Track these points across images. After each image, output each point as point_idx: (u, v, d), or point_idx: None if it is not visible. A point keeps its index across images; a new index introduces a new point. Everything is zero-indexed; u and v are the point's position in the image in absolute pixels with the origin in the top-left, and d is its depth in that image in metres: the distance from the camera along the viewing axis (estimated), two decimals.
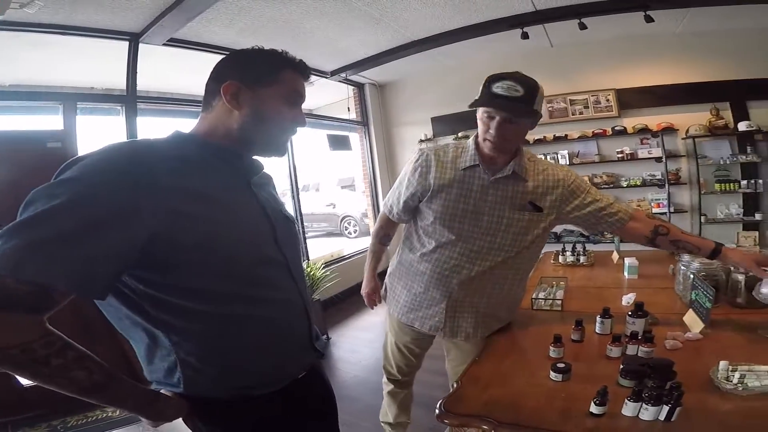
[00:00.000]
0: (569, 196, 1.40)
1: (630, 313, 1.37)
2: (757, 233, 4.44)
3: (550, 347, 1.28)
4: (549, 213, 1.40)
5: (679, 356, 1.22)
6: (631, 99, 4.70)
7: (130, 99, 3.36)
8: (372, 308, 1.81)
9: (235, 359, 0.83)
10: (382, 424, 1.89)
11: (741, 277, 1.54)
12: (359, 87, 5.93)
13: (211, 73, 0.90)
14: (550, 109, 5.00)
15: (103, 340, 2.02)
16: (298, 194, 4.74)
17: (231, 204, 0.84)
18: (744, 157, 4.26)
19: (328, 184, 10.53)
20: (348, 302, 4.69)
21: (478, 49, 4.70)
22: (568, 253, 2.63)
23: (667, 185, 4.55)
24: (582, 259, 2.58)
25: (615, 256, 2.59)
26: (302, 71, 0.94)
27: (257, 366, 0.87)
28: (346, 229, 9.49)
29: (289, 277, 0.93)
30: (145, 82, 3.62)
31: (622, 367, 1.12)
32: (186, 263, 0.74)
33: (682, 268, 1.73)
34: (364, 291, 1.79)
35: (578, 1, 3.59)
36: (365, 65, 4.85)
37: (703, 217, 4.52)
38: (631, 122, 4.70)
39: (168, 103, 3.87)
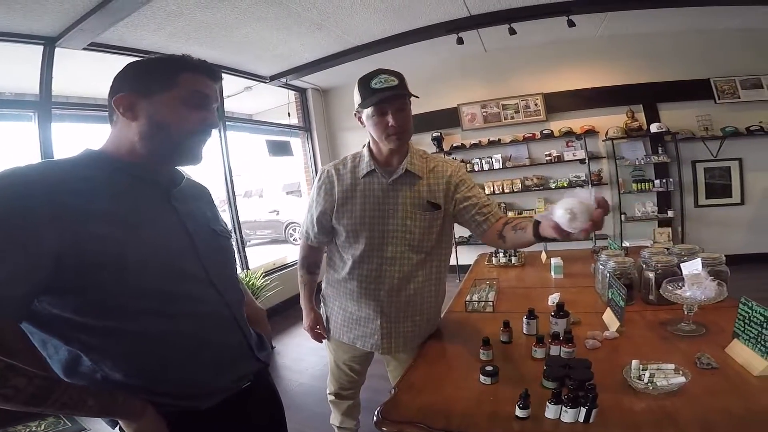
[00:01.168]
0: (455, 190, 1.44)
1: (552, 313, 1.43)
2: (670, 229, 4.91)
3: (480, 350, 1.31)
4: (446, 207, 1.45)
5: (598, 356, 1.28)
6: (557, 103, 5.01)
7: (43, 104, 3.12)
8: (321, 342, 1.72)
9: (160, 374, 0.83)
10: (332, 426, 1.85)
11: (651, 275, 1.65)
12: (301, 92, 5.82)
13: (110, 87, 0.86)
14: (485, 114, 5.22)
15: (20, 354, 1.79)
16: (234, 201, 4.54)
17: (141, 222, 0.82)
18: (656, 157, 4.68)
19: (272, 190, 10.23)
20: (293, 310, 4.54)
21: (420, 55, 4.79)
22: (501, 254, 2.72)
23: (590, 186, 4.87)
24: (514, 260, 2.67)
25: (543, 256, 2.71)
26: (205, 71, 0.89)
27: (184, 380, 0.86)
28: (291, 236, 9.25)
29: (212, 291, 0.91)
30: (64, 87, 3.39)
31: (545, 368, 1.16)
32: (97, 285, 0.73)
33: (600, 267, 1.83)
34: (306, 326, 1.71)
35: (508, 7, 3.78)
36: (306, 70, 4.77)
37: (623, 216, 4.88)
38: (557, 125, 5.01)
39: (88, 108, 3.58)
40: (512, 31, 3.92)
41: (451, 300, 1.97)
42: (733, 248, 4.45)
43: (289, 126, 5.68)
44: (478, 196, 1.46)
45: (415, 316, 1.47)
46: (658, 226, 4.93)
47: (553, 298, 1.81)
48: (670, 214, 4.81)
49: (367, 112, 1.34)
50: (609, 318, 1.54)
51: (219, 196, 4.61)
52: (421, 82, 5.13)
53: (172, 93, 0.84)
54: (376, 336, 1.47)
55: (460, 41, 4.04)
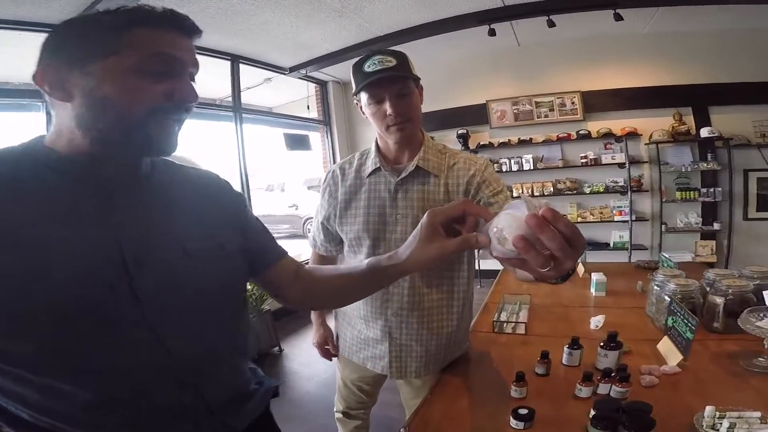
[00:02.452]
0: (475, 192, 1.20)
1: (602, 344, 1.19)
2: (714, 242, 4.51)
3: (512, 386, 1.07)
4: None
5: (656, 395, 1.07)
6: (596, 102, 4.66)
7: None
8: (330, 360, 1.54)
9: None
10: None
11: (720, 300, 1.39)
12: (321, 84, 5.65)
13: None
14: (516, 111, 4.92)
15: None
16: (249, 198, 4.41)
17: (46, 243, 0.56)
18: (705, 164, 4.29)
19: (294, 185, 10.14)
20: (304, 311, 4.40)
21: (446, 47, 4.53)
22: None
23: (629, 192, 4.53)
24: None
25: (581, 269, 2.44)
26: (171, 24, 0.62)
27: None
28: (309, 231, 9.12)
29: (145, 336, 0.63)
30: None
31: (593, 413, 0.92)
32: None
33: (656, 288, 1.57)
34: (315, 342, 1.53)
35: None
36: (327, 61, 4.58)
37: (663, 226, 4.52)
38: (595, 126, 4.66)
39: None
40: (551, 24, 3.62)
41: (475, 315, 1.74)
42: None
43: (308, 119, 5.53)
44: (503, 203, 1.21)
45: (431, 340, 1.25)
46: (701, 239, 4.55)
47: (597, 321, 1.56)
48: (716, 226, 4.42)
49: (364, 100, 1.16)
50: (667, 348, 1.30)
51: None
52: (446, 77, 4.92)
53: (118, 58, 0.59)
54: (385, 359, 1.27)
55: (492, 33, 3.77)
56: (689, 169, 4.36)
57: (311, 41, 4.12)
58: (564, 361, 1.25)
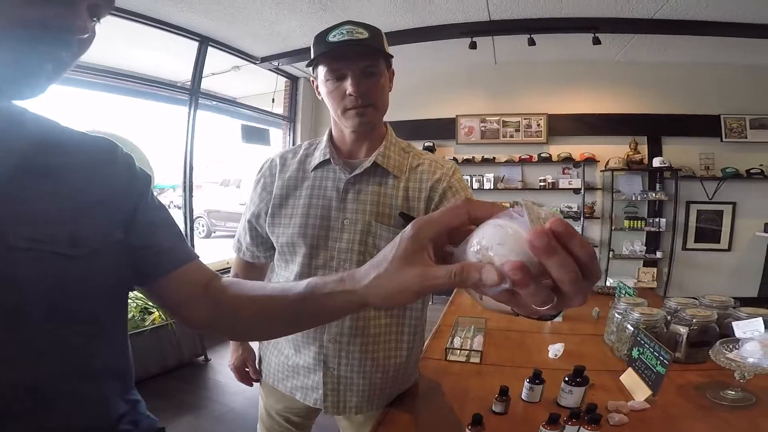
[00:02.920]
0: (439, 200, 1.03)
1: (566, 378, 1.07)
2: (655, 269, 4.72)
3: (468, 430, 0.92)
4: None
5: None
6: (559, 126, 4.77)
7: None
8: (251, 386, 1.28)
9: None
10: None
11: (683, 330, 1.33)
12: (292, 80, 5.41)
13: None
14: (483, 128, 4.94)
15: None
16: (191, 190, 4.07)
17: None
18: (653, 194, 4.48)
19: (250, 181, 9.69)
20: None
21: (423, 57, 4.46)
22: None
23: (582, 218, 4.64)
24: None
25: None
26: None
27: None
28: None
29: None
30: None
31: None
32: None
33: (617, 315, 1.49)
34: (230, 364, 1.26)
35: (532, 16, 3.52)
36: (302, 56, 4.36)
37: (611, 252, 4.65)
38: (556, 150, 4.76)
39: None
40: (531, 42, 3.65)
41: (426, 338, 1.58)
42: (712, 292, 4.28)
43: (272, 114, 5.25)
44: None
45: (376, 372, 1.05)
46: (643, 266, 4.76)
47: (556, 350, 1.46)
48: (658, 255, 4.65)
49: (321, 75, 0.96)
50: (632, 382, 1.21)
51: (176, 181, 4.11)
52: (419, 87, 4.82)
53: None
54: (319, 391, 1.05)
55: (473, 46, 3.74)
56: (638, 199, 4.54)
57: (289, 32, 3.92)
58: (523, 397, 1.12)
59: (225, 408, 2.63)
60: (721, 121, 4.43)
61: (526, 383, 1.10)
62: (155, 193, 0.66)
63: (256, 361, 1.24)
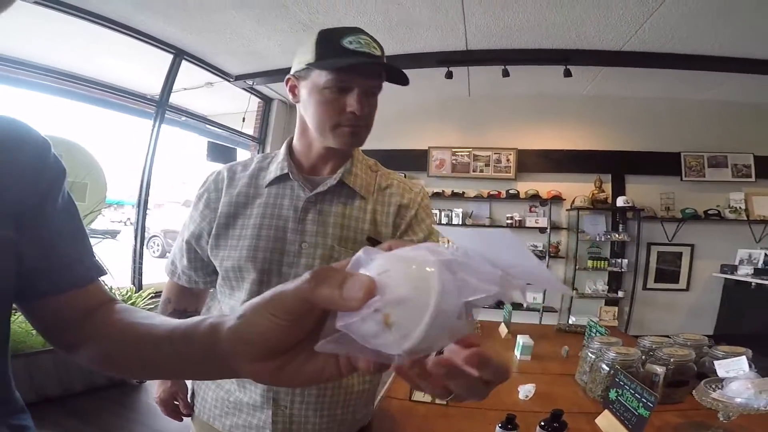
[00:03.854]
0: (406, 229, 0.96)
1: (542, 423, 0.96)
2: (616, 308, 4.78)
3: None
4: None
5: None
6: (528, 161, 4.85)
7: None
8: (180, 421, 1.09)
9: None
10: None
11: (660, 370, 1.27)
12: (266, 101, 5.33)
13: None
14: (454, 161, 4.96)
15: None
16: (146, 207, 3.84)
17: None
18: (616, 235, 4.59)
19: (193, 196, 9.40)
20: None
21: (397, 86, 4.46)
22: None
23: (547, 257, 4.68)
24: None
25: (503, 329, 2.28)
26: None
27: None
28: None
29: None
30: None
31: None
32: None
33: (590, 355, 1.42)
34: (156, 397, 1.08)
35: (507, 47, 3.62)
36: (278, 76, 4.31)
37: (575, 291, 4.68)
38: (524, 186, 4.82)
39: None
40: (505, 73, 3.74)
41: (387, 376, 1.44)
42: (671, 330, 4.40)
43: (241, 133, 5.12)
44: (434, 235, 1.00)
45: (335, 409, 0.91)
46: (605, 305, 4.80)
47: (526, 391, 1.36)
48: (620, 294, 4.71)
49: (320, 80, 0.84)
50: (609, 424, 1.14)
51: (129, 196, 3.88)
52: (393, 116, 4.78)
53: None
54: (267, 430, 0.90)
55: (449, 75, 3.80)
56: (602, 239, 4.63)
57: (267, 51, 3.88)
58: None
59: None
60: (681, 158, 4.59)
61: (498, 429, 0.99)
62: (69, 193, 0.54)
63: (188, 395, 1.06)
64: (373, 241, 0.90)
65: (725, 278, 4.47)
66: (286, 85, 0.91)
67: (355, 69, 0.83)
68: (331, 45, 0.83)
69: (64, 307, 0.50)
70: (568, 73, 3.70)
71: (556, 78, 3.86)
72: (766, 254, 4.17)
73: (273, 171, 0.92)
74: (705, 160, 4.61)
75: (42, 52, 3.60)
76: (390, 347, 0.25)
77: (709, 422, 1.12)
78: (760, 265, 4.14)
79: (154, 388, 1.09)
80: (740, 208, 4.48)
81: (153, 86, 4.17)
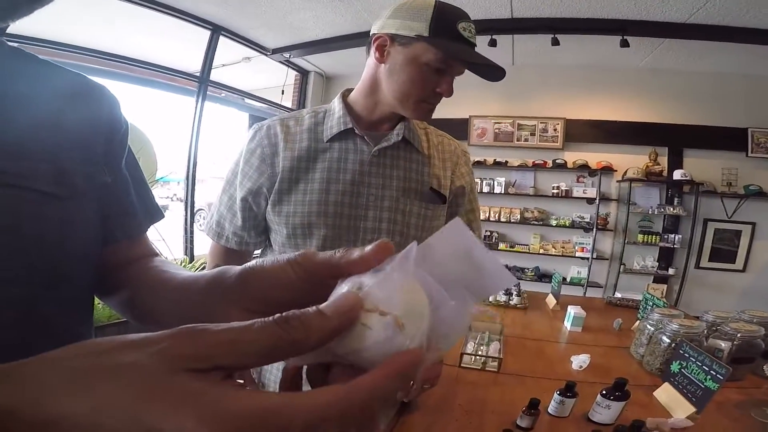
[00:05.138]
0: (455, 198, 1.02)
1: (604, 392, 0.94)
2: (665, 287, 4.54)
3: None
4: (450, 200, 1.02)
5: None
6: (577, 132, 4.59)
7: None
8: None
9: None
10: None
11: (725, 345, 1.21)
12: (303, 74, 5.32)
13: None
14: (497, 131, 4.79)
15: None
16: (194, 182, 3.97)
17: None
18: (671, 209, 4.29)
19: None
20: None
21: None
22: (501, 291, 2.23)
23: (595, 230, 4.48)
24: (515, 299, 2.18)
25: (551, 301, 2.24)
26: None
27: None
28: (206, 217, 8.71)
29: None
30: None
31: None
32: None
33: (649, 327, 1.36)
34: None
35: (557, 15, 3.38)
36: (314, 48, 4.27)
37: (622, 266, 4.48)
38: (572, 157, 4.58)
39: None
40: (555, 42, 3.50)
41: None
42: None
43: (281, 106, 5.17)
44: (473, 203, 1.07)
45: None
46: (653, 282, 4.57)
47: (580, 361, 1.34)
48: (670, 272, 4.44)
49: (424, 55, 0.84)
50: (669, 397, 1.10)
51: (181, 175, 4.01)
52: None
53: None
54: None
55: (492, 44, 3.60)
56: (655, 212, 4.35)
57: (302, 23, 3.82)
58: (551, 411, 0.99)
59: None
60: (748, 134, 4.22)
61: (556, 396, 0.98)
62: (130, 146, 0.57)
63: (255, 380, 1.10)
64: (437, 194, 0.96)
65: None
66: (374, 42, 0.89)
67: (460, 57, 0.84)
68: (447, 26, 0.83)
69: (112, 256, 0.52)
70: (625, 44, 3.43)
71: (609, 48, 3.60)
72: None
73: (334, 126, 0.92)
74: None
75: (84, 36, 3.67)
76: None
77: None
78: None
79: None
80: None
81: (192, 64, 4.23)
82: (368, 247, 0.26)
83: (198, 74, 3.99)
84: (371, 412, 0.21)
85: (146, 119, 5.55)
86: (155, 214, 0.58)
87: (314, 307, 0.23)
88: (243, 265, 0.32)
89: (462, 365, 1.30)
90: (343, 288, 0.25)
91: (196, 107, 3.91)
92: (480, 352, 1.36)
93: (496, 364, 1.29)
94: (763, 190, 4.14)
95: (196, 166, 3.94)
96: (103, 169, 0.48)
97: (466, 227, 0.27)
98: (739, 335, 1.22)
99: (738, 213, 4.29)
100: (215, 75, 4.22)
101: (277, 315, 0.22)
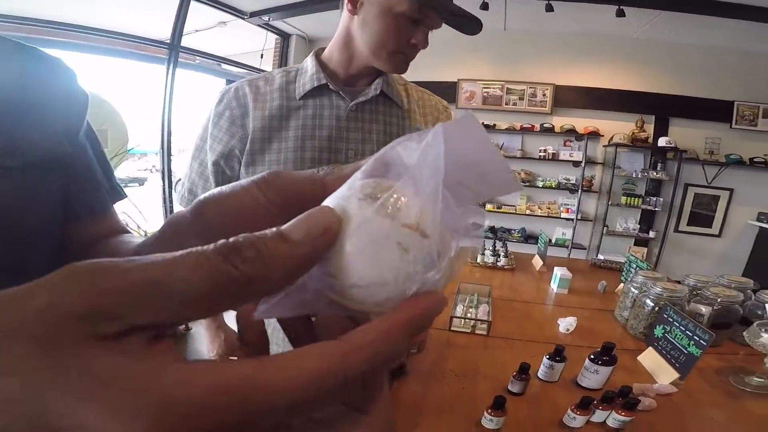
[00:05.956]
0: None
1: (592, 356, 0.96)
2: (645, 249, 4.70)
3: (486, 413, 0.81)
4: None
5: (659, 423, 0.89)
6: (565, 97, 4.58)
7: None
8: None
9: None
10: None
11: (705, 310, 1.24)
12: (284, 37, 5.06)
13: None
14: (485, 94, 4.73)
15: None
16: (169, 152, 3.82)
17: None
18: (654, 173, 4.38)
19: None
20: None
21: None
22: (488, 252, 2.25)
23: (580, 191, 4.55)
24: (503, 261, 2.20)
25: (538, 261, 2.27)
26: None
27: None
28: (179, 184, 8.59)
29: None
30: None
31: None
32: None
33: (633, 290, 1.40)
34: (213, 354, 1.01)
35: None
36: (295, 10, 4.03)
37: (605, 228, 4.60)
38: (560, 121, 4.59)
39: None
40: (549, 8, 3.39)
41: None
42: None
43: (260, 71, 4.94)
44: None
45: None
46: (634, 244, 4.71)
47: (568, 324, 1.37)
48: (651, 234, 4.58)
49: (398, 6, 0.81)
50: (653, 363, 1.13)
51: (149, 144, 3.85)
52: (429, 48, 4.54)
53: None
54: None
55: (484, 7, 3.47)
56: (638, 176, 4.44)
57: None
58: (540, 375, 1.02)
59: None
60: (734, 107, 4.30)
61: (545, 360, 1.00)
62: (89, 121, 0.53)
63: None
64: None
65: (760, 227, 4.29)
66: None
67: (437, 7, 0.82)
68: None
69: (76, 235, 0.48)
70: (621, 13, 3.35)
71: (604, 18, 3.51)
72: None
73: (307, 83, 0.89)
74: (760, 110, 4.27)
75: (48, 9, 3.41)
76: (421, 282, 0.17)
77: (750, 368, 1.11)
78: None
79: (205, 346, 1.03)
80: None
81: (164, 32, 3.93)
82: (366, 161, 0.21)
83: (168, 41, 3.76)
84: (376, 377, 0.16)
85: (116, 91, 5.28)
86: (119, 190, 0.55)
87: (274, 229, 0.16)
88: (199, 197, 0.25)
89: (452, 329, 1.32)
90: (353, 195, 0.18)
91: (167, 75, 3.70)
92: (469, 315, 1.38)
93: (485, 326, 1.31)
94: (743, 159, 4.25)
95: (171, 135, 3.80)
96: (62, 141, 0.45)
97: (477, 120, 0.20)
98: (719, 300, 1.25)
99: (717, 179, 4.42)
100: (188, 42, 3.99)
101: (221, 241, 0.15)
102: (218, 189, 0.23)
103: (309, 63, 0.91)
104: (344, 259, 0.17)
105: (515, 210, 4.79)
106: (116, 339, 0.14)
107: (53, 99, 0.45)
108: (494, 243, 2.31)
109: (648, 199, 4.50)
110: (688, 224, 4.63)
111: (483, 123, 4.67)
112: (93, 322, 0.13)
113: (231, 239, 0.15)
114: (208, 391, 0.13)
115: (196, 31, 4.37)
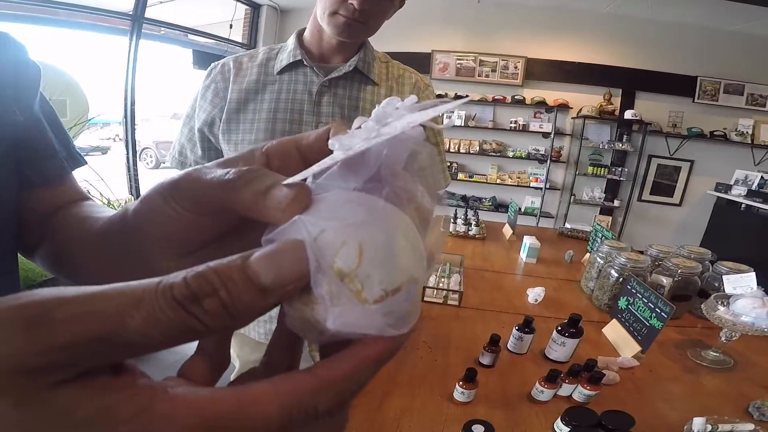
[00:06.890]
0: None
1: (559, 328, 0.99)
2: (610, 219, 4.90)
3: (458, 385, 0.82)
4: None
5: (622, 397, 0.92)
6: (537, 70, 4.62)
7: None
8: None
9: None
10: None
11: (666, 281, 1.28)
12: (254, 7, 4.82)
13: None
14: (459, 66, 4.71)
15: None
16: (133, 122, 3.69)
17: None
18: (620, 144, 4.52)
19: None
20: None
21: None
22: (460, 221, 2.25)
23: (549, 161, 4.65)
24: (474, 230, 2.20)
25: (508, 231, 2.29)
26: None
27: None
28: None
29: None
30: None
31: (567, 429, 0.71)
32: None
33: (598, 260, 1.43)
34: None
35: None
36: None
37: (572, 197, 4.74)
38: (531, 93, 4.64)
39: None
40: None
41: None
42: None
43: (229, 41, 4.69)
44: (437, 137, 1.07)
45: None
46: (600, 213, 4.90)
47: (536, 294, 1.40)
48: (615, 203, 4.77)
49: None
50: (617, 335, 1.17)
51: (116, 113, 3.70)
52: (397, 18, 4.39)
53: None
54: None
55: None
56: (605, 147, 4.58)
57: None
58: (510, 347, 1.04)
59: (178, 356, 2.48)
60: (697, 82, 4.44)
61: (514, 332, 1.02)
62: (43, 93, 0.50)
63: None
64: None
65: (717, 197, 4.53)
66: None
67: None
68: None
69: (32, 204, 0.45)
70: None
71: None
72: (762, 177, 4.17)
73: (284, 59, 0.92)
74: (721, 86, 4.45)
75: None
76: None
77: (708, 342, 1.14)
78: (754, 187, 4.16)
79: None
80: (747, 132, 4.45)
81: (128, 4, 3.67)
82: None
83: (131, 12, 3.52)
84: (342, 407, 0.17)
85: (78, 61, 4.96)
86: (78, 158, 0.51)
87: (239, 262, 0.15)
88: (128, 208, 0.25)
89: (424, 299, 1.33)
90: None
91: (130, 46, 3.53)
92: (441, 285, 1.39)
93: (457, 297, 1.32)
94: (704, 132, 4.45)
95: (134, 105, 3.67)
96: (13, 111, 0.42)
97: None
98: (680, 271, 1.27)
99: (679, 151, 4.62)
100: (153, 12, 3.74)
101: (178, 281, 0.14)
102: (138, 204, 0.24)
103: (290, 41, 0.95)
104: (314, 306, 0.16)
105: (486, 179, 4.86)
106: (75, 380, 0.13)
107: (2, 73, 0.42)
108: (466, 212, 2.32)
109: (613, 170, 4.68)
110: (651, 193, 4.86)
111: (456, 94, 4.67)
112: (45, 374, 0.13)
113: (189, 278, 0.14)
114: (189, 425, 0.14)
115: (161, 2, 4.10)
